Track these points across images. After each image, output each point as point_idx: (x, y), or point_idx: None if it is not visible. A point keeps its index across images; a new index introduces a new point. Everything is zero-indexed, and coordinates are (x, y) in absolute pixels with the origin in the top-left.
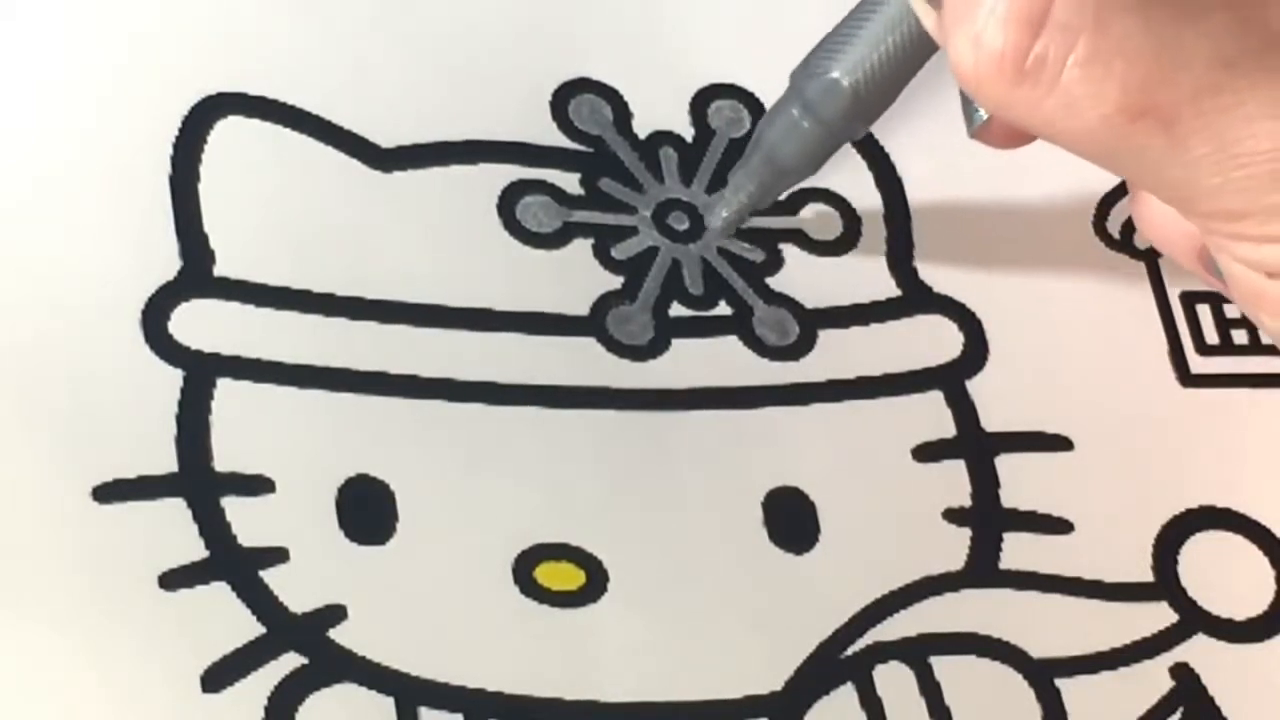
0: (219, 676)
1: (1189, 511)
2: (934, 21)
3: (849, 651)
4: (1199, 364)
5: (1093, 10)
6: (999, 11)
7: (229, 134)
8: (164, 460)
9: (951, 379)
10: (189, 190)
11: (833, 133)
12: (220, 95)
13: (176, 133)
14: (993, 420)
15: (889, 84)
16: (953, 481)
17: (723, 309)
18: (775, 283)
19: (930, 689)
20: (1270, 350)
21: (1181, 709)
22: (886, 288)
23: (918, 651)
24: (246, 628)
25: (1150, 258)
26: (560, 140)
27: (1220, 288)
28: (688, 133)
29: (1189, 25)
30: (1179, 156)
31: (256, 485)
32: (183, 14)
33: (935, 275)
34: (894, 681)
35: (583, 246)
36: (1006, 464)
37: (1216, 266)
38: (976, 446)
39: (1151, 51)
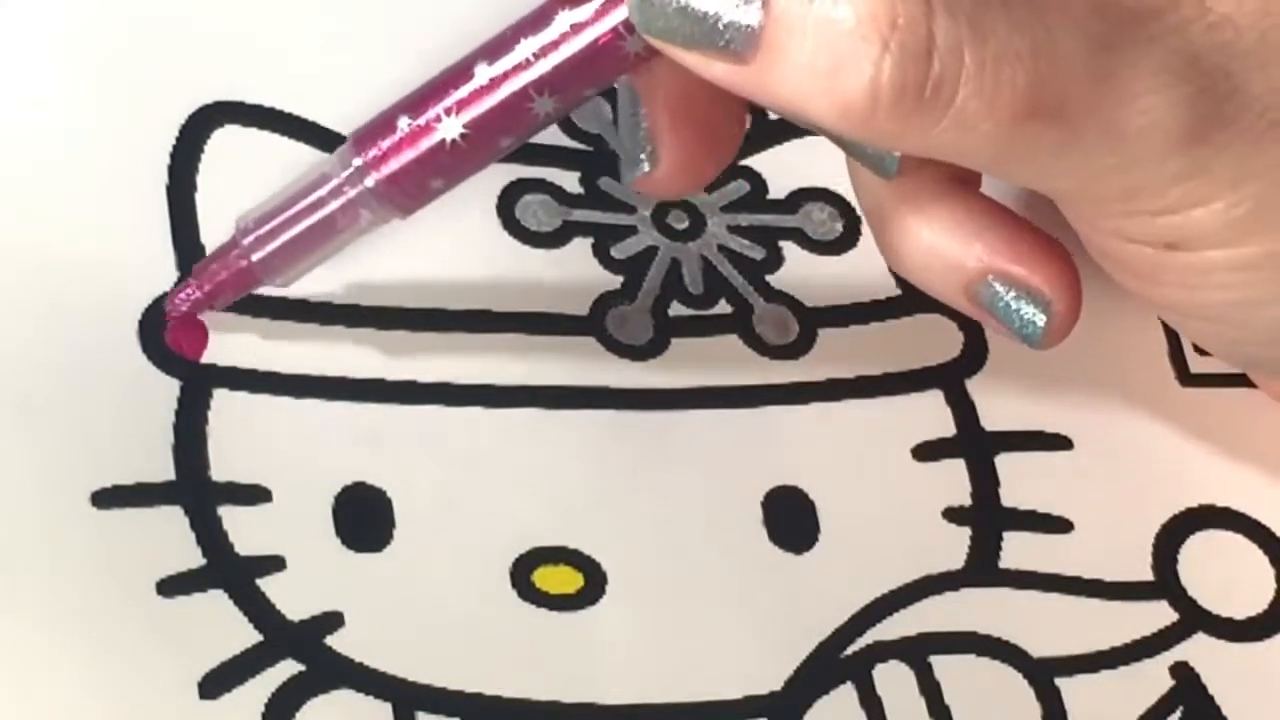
0: (216, 683)
1: (1189, 511)
2: (732, 73)
3: (849, 651)
4: (1199, 364)
5: (967, 20)
6: (893, 50)
7: (226, 143)
8: (161, 469)
9: (951, 378)
10: (186, 199)
11: None
12: (217, 104)
13: (174, 142)
14: (992, 419)
15: None
16: (952, 480)
17: (723, 307)
18: (775, 280)
19: (930, 688)
20: None
21: (1181, 708)
22: (886, 286)
23: (917, 651)
24: (244, 635)
25: None
26: (560, 139)
27: (990, 323)
28: None
29: (1055, 15)
30: (1073, 146)
31: (253, 494)
32: (180, 22)
33: None
34: (894, 681)
35: (582, 246)
36: (1006, 463)
37: (984, 299)
38: (976, 445)
39: (1031, 48)
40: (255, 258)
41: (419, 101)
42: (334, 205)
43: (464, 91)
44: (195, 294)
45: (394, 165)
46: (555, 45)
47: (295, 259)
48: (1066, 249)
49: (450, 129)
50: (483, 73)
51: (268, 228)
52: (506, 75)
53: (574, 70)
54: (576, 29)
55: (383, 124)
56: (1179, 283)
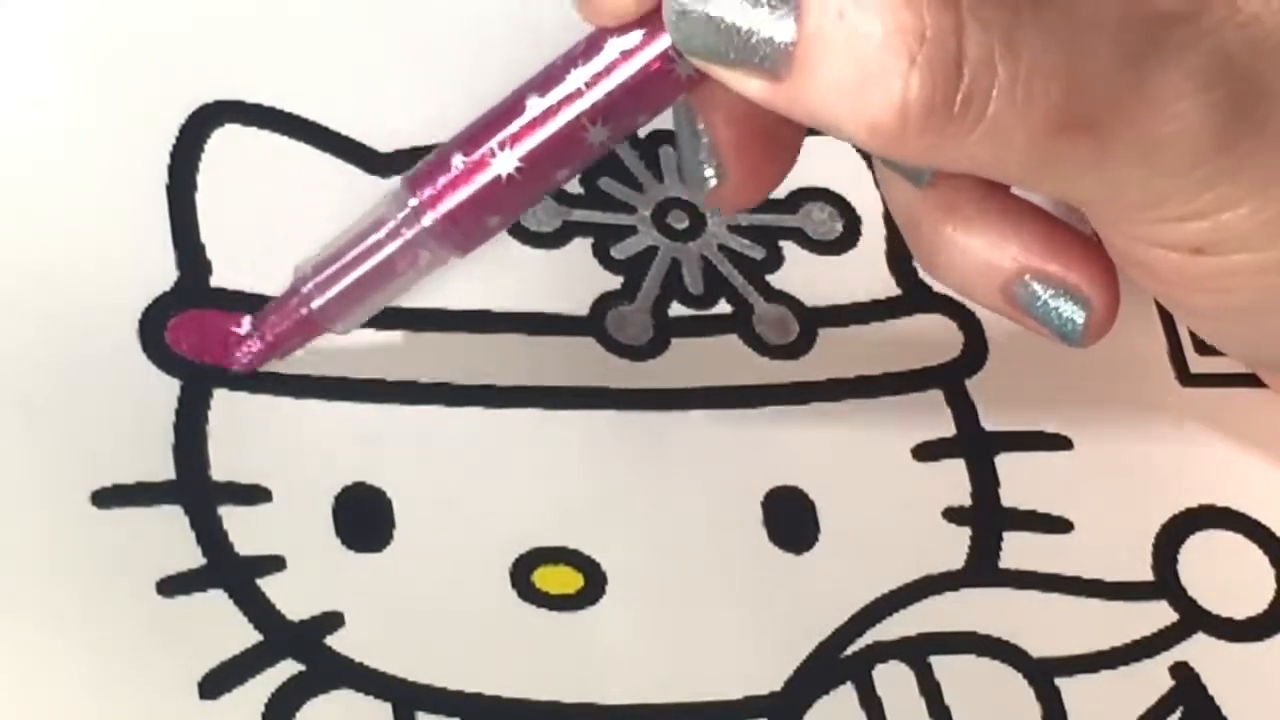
0: (216, 683)
1: (1189, 511)
2: (768, 90)
3: (849, 651)
4: (1199, 364)
5: (999, 34)
6: (921, 64)
7: (226, 142)
8: (161, 469)
9: (951, 378)
10: (186, 199)
11: None
12: (217, 103)
13: (174, 141)
14: (992, 419)
15: None
16: (952, 481)
17: (723, 307)
18: (775, 280)
19: (930, 688)
20: None
21: (1181, 708)
22: (886, 286)
23: (917, 651)
24: (243, 635)
25: None
26: None
27: (1029, 324)
28: None
29: (1087, 27)
30: (1106, 157)
31: (253, 495)
32: (179, 21)
33: None
34: (894, 681)
35: (582, 246)
36: (1006, 463)
37: (1022, 300)
38: (976, 446)
39: (1064, 62)
40: (315, 305)
41: (472, 138)
42: (392, 248)
43: (516, 125)
44: (258, 345)
45: (450, 203)
46: (606, 73)
47: (356, 304)
48: (1102, 246)
49: (505, 164)
50: (534, 105)
51: (326, 274)
52: (559, 106)
53: (626, 97)
54: (626, 55)
55: (437, 162)
56: (1205, 287)
